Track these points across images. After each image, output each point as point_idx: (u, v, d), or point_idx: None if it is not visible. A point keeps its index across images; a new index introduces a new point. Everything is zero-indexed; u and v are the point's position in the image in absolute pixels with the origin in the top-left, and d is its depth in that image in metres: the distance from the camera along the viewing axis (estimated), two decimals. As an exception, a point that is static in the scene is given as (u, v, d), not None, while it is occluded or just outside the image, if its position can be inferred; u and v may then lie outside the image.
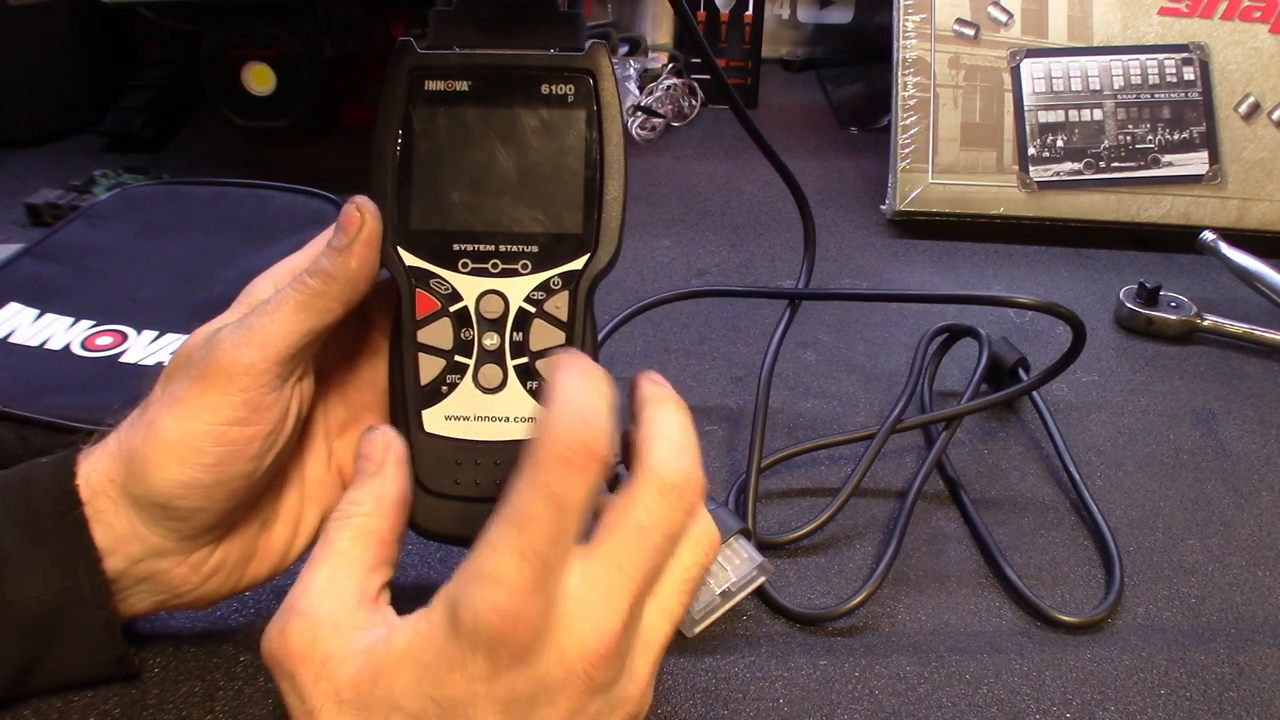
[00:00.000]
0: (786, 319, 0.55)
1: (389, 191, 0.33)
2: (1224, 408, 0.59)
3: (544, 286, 0.33)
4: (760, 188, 0.85)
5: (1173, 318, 0.65)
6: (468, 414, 0.33)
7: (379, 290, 0.34)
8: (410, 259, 0.33)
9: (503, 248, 0.33)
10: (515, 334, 0.33)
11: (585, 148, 0.33)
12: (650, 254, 0.73)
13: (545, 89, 0.33)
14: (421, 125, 0.33)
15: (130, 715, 0.37)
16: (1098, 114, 0.77)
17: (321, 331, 0.33)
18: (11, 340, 0.51)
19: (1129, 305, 0.66)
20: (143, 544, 0.33)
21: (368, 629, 0.29)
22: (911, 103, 0.77)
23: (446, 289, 0.33)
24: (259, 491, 0.35)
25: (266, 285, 0.35)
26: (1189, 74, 0.77)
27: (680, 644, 0.41)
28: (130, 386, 0.45)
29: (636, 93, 0.97)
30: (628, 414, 0.32)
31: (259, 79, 0.79)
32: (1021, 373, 0.56)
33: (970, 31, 0.78)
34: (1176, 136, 0.77)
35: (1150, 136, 0.77)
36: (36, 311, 0.53)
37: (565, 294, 0.33)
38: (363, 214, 0.32)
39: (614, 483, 0.34)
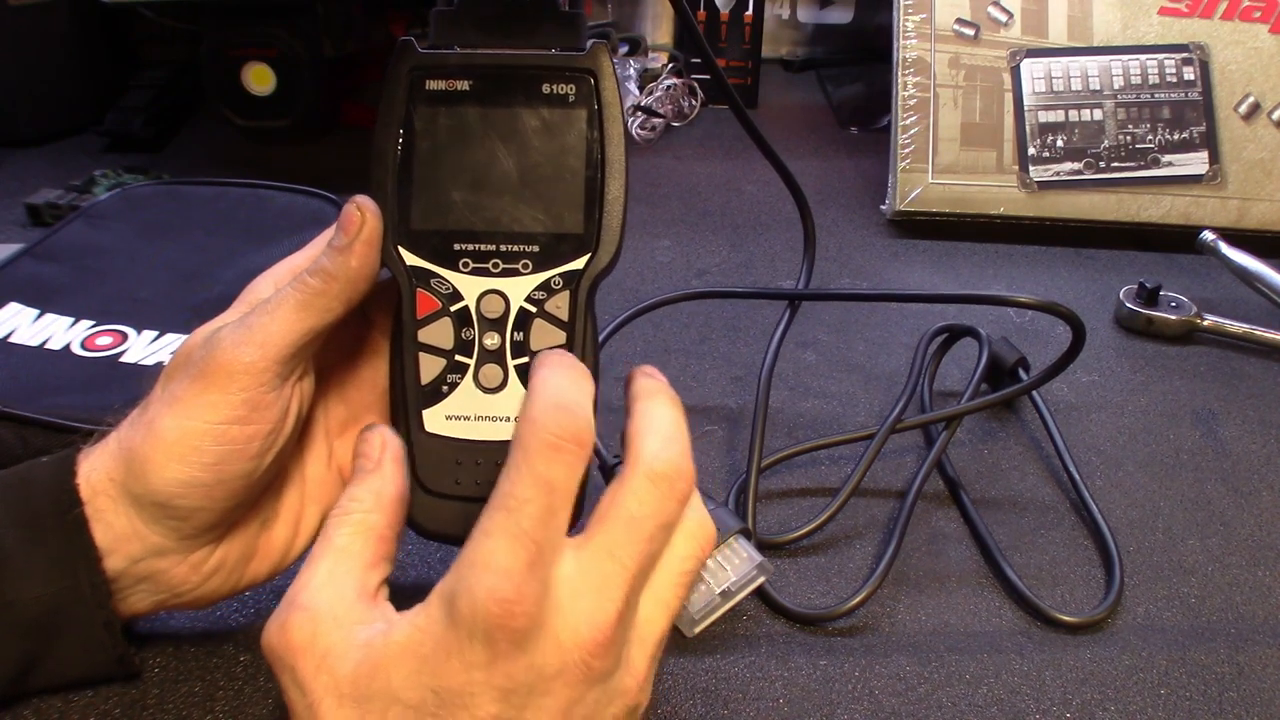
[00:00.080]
0: (786, 319, 0.55)
1: (390, 191, 0.33)
2: (1224, 408, 0.59)
3: (545, 286, 0.33)
4: (760, 188, 0.85)
5: (1173, 318, 0.65)
6: (468, 414, 0.33)
7: (380, 290, 0.34)
8: (411, 258, 0.33)
9: (504, 247, 0.33)
10: (516, 334, 0.33)
11: (586, 147, 0.33)
12: (650, 254, 0.73)
13: (546, 88, 0.33)
14: (422, 125, 0.33)
15: (130, 715, 0.37)
16: (1098, 114, 0.77)
17: (322, 331, 0.33)
18: (11, 340, 0.51)
19: (1129, 305, 0.66)
20: (143, 543, 0.33)
21: (367, 624, 0.29)
22: (911, 103, 0.77)
23: (447, 288, 0.33)
24: (259, 491, 0.35)
25: (267, 285, 0.35)
26: (1189, 74, 0.77)
27: (680, 644, 0.41)
28: (130, 386, 0.45)
29: (636, 93, 0.97)
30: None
31: (259, 79, 0.79)
32: (1021, 373, 0.56)
33: (970, 31, 0.78)
34: (1176, 136, 0.77)
35: (1150, 136, 0.77)
36: (36, 311, 0.53)
37: (566, 294, 0.33)
38: (363, 213, 0.32)
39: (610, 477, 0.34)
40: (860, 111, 1.02)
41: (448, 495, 0.34)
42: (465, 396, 0.33)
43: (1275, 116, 0.77)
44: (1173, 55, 0.77)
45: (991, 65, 0.78)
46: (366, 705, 0.28)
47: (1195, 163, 0.77)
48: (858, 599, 0.43)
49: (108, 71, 0.93)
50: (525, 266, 0.33)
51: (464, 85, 0.33)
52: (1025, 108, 0.77)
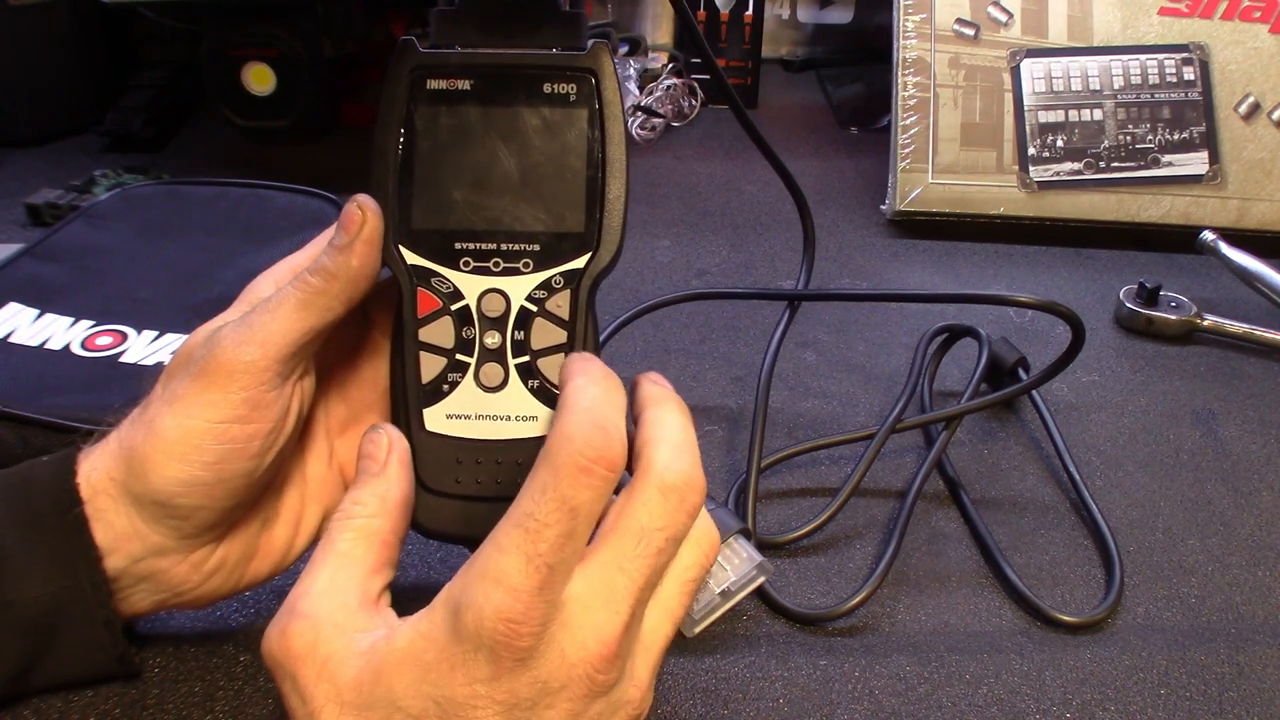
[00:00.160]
0: (786, 319, 0.55)
1: (391, 190, 0.33)
2: (1224, 408, 0.59)
3: (546, 285, 0.33)
4: (760, 188, 0.85)
5: (1173, 318, 0.65)
6: (469, 413, 0.33)
7: (380, 289, 0.34)
8: (412, 257, 0.33)
9: (504, 246, 0.33)
10: (517, 333, 0.33)
11: (587, 147, 0.33)
12: (650, 254, 0.73)
13: (547, 88, 0.33)
14: (423, 124, 0.33)
15: (130, 715, 0.37)
16: (1098, 114, 0.77)
17: (322, 330, 0.33)
18: (11, 340, 0.51)
19: (1129, 305, 0.66)
20: (143, 542, 0.33)
21: (369, 630, 0.29)
22: (911, 103, 0.77)
23: (448, 287, 0.33)
24: (260, 490, 0.35)
25: (267, 284, 0.35)
26: (1189, 74, 0.77)
27: (680, 644, 0.41)
28: (130, 386, 0.45)
29: (636, 93, 0.97)
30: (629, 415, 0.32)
31: (259, 79, 0.79)
32: (1021, 372, 0.56)
33: (970, 31, 0.78)
34: (1176, 136, 0.77)
35: (1150, 136, 0.77)
36: (36, 311, 0.53)
37: (567, 293, 0.33)
38: (364, 212, 0.32)
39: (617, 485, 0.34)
40: (860, 111, 1.02)
41: (448, 494, 0.34)
42: (466, 395, 0.33)
43: (1275, 116, 0.77)
44: (1173, 55, 0.77)
45: (991, 65, 0.78)
46: (368, 713, 0.27)
47: (1195, 163, 0.77)
48: (858, 599, 0.43)
49: (108, 71, 0.93)
50: (526, 265, 0.33)
51: (465, 85, 0.33)
52: (1025, 108, 0.77)
